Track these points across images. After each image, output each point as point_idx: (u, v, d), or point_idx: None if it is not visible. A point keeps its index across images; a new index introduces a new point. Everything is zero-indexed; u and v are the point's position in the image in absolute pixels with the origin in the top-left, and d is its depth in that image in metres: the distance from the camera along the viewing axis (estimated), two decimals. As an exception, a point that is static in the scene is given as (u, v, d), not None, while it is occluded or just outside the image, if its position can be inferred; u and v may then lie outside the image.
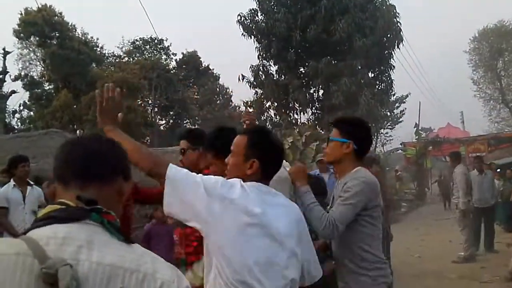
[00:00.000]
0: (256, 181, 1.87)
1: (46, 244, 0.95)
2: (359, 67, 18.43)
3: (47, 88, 29.01)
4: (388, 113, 22.80)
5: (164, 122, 33.78)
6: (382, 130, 23.96)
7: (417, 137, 22.31)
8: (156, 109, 32.31)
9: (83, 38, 29.21)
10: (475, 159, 9.54)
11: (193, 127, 30.33)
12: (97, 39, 31.01)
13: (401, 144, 23.91)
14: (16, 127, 27.95)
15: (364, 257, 2.46)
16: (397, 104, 27.32)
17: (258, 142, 1.93)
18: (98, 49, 31.18)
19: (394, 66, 19.93)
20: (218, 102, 35.23)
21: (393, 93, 21.67)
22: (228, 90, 36.26)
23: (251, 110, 21.89)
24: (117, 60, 33.43)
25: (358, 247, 2.46)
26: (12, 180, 5.12)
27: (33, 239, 0.96)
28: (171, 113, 33.15)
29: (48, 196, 5.15)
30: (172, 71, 33.88)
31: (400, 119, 28.03)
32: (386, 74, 20.02)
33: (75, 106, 24.87)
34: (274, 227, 1.76)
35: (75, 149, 1.13)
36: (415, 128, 22.43)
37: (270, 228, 1.75)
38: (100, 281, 0.95)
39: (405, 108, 28.26)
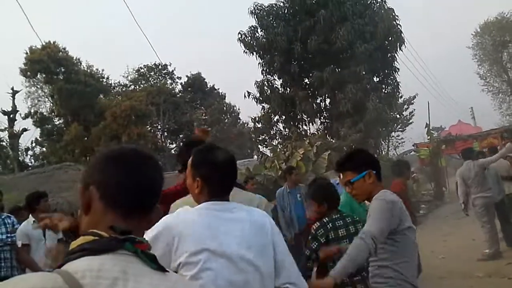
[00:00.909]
0: (208, 200, 1.84)
1: (82, 278, 0.93)
2: (364, 73, 18.40)
3: (57, 123, 29.46)
4: (398, 116, 22.64)
5: (174, 145, 33.98)
6: (393, 133, 23.79)
7: (429, 137, 22.07)
8: (165, 134, 32.55)
9: (89, 70, 29.73)
10: (489, 150, 9.40)
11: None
12: (102, 70, 31.60)
13: (413, 145, 23.68)
14: (29, 164, 28.31)
15: (389, 275, 2.49)
16: (405, 106, 27.15)
17: (198, 161, 1.92)
18: (104, 80, 31.68)
19: (398, 69, 19.87)
20: (226, 120, 35.40)
21: (400, 95, 21.56)
22: (235, 107, 36.49)
23: (259, 125, 21.95)
24: (123, 89, 33.90)
25: (385, 267, 2.50)
26: (30, 216, 5.14)
27: (68, 273, 0.94)
28: (180, 136, 33.37)
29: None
30: (178, 95, 34.23)
31: (410, 121, 27.80)
32: (391, 77, 19.94)
33: (86, 138, 25.17)
34: (225, 245, 1.70)
35: (132, 175, 1.08)
36: (426, 128, 22.19)
37: (221, 247, 1.68)
38: None
39: (414, 109, 28.06)
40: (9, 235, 5.15)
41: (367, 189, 2.61)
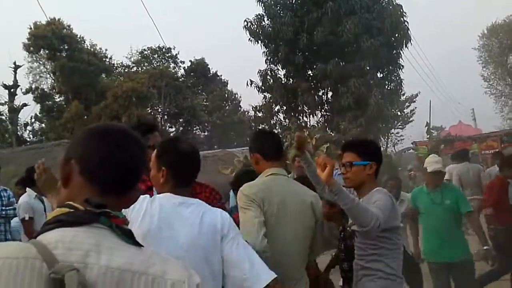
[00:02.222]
0: (170, 191, 1.89)
1: (55, 248, 0.94)
2: (368, 68, 18.35)
3: (58, 100, 29.34)
4: (399, 113, 22.67)
5: (174, 129, 33.93)
6: (393, 130, 23.83)
7: (428, 136, 22.08)
8: (166, 117, 32.48)
9: (92, 49, 29.51)
10: (494, 154, 9.25)
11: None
12: (106, 50, 31.32)
13: (412, 143, 23.66)
14: (28, 139, 28.28)
15: (375, 266, 2.53)
16: (407, 104, 27.18)
17: (165, 151, 1.98)
18: (107, 60, 31.47)
19: (403, 66, 19.82)
20: (227, 108, 35.33)
21: (402, 92, 21.55)
22: (236, 95, 36.42)
23: (260, 114, 21.92)
24: (126, 70, 33.72)
25: (371, 256, 2.55)
26: (29, 189, 5.13)
27: (42, 243, 0.95)
28: (180, 120, 33.29)
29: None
30: (180, 79, 34.07)
31: (411, 119, 27.88)
32: (395, 74, 19.89)
33: (86, 117, 25.09)
34: (172, 242, 1.71)
35: (116, 153, 1.08)
36: (426, 127, 22.18)
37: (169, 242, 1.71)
38: (109, 285, 0.93)
39: (415, 108, 28.12)
40: (4, 208, 5.16)
41: (362, 178, 2.63)
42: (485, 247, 4.20)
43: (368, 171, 2.62)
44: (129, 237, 1.02)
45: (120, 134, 1.11)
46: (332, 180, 2.29)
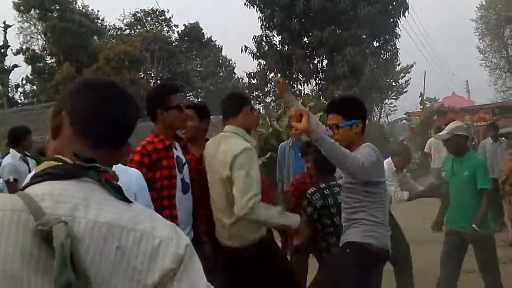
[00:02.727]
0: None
1: (42, 201, 0.92)
2: (364, 36, 18.17)
3: (49, 61, 28.87)
4: (393, 83, 22.60)
5: (167, 95, 33.64)
6: (386, 101, 23.83)
7: (421, 106, 22.14)
8: (158, 82, 32.15)
9: (84, 10, 28.88)
10: (489, 126, 9.04)
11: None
12: (98, 11, 30.70)
13: (405, 114, 23.77)
14: (19, 101, 27.97)
15: (360, 216, 2.63)
16: (402, 74, 27.07)
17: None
18: (99, 22, 30.85)
19: (399, 35, 19.64)
20: (221, 74, 35.00)
21: (398, 62, 21.45)
22: (231, 62, 36.02)
23: (254, 81, 21.76)
24: (118, 33, 33.11)
25: (358, 212, 2.64)
26: (12, 150, 5.04)
27: (29, 195, 0.93)
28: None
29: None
30: (174, 43, 33.57)
31: (405, 89, 27.82)
32: (391, 43, 19.74)
33: (77, 79, 24.77)
34: None
35: (109, 107, 1.05)
36: (420, 98, 22.23)
37: None
38: (96, 239, 0.92)
39: (410, 78, 28.02)
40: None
41: (350, 138, 2.66)
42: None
43: (355, 130, 2.66)
44: (118, 192, 1.00)
45: (113, 89, 1.08)
46: (310, 128, 2.38)
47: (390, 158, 4.44)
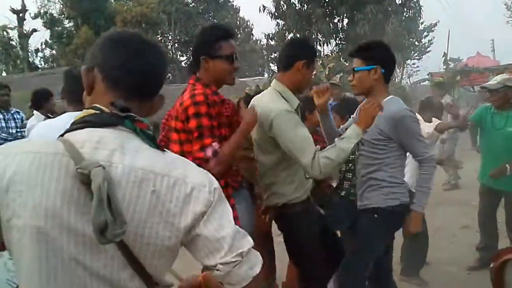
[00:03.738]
0: None
1: (82, 147, 0.98)
2: (386, -7, 17.58)
3: (67, 25, 28.87)
4: (416, 43, 21.94)
5: (185, 58, 33.47)
6: (409, 61, 23.23)
7: (445, 67, 21.54)
8: (176, 45, 31.93)
9: (100, -28, 28.49)
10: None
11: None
12: (114, -28, 30.23)
13: (428, 74, 23.17)
14: (39, 65, 28.24)
15: (376, 176, 2.59)
16: (425, 33, 26.25)
17: None
18: (116, -16, 30.47)
19: (423, -9, 18.94)
20: (239, 36, 34.50)
21: (421, 21, 20.75)
22: (248, 23, 35.39)
23: (272, 43, 21.40)
24: (135, -6, 32.71)
25: (376, 170, 2.59)
26: (37, 112, 5.11)
27: (69, 141, 0.99)
28: (191, 48, 32.71)
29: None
30: (191, 5, 33.07)
31: (428, 49, 27.00)
32: (414, 1, 19.06)
33: (103, 34, 24.79)
34: None
35: (136, 59, 1.08)
36: (444, 58, 21.57)
37: None
38: (132, 184, 0.98)
39: (433, 37, 27.13)
40: (19, 129, 5.23)
41: (367, 84, 2.55)
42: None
43: (373, 76, 2.52)
44: (152, 141, 1.05)
45: (137, 41, 1.12)
46: (324, 107, 2.67)
47: (417, 114, 4.28)
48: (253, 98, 2.72)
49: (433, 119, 4.39)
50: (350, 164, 3.38)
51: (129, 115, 1.04)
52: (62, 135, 1.03)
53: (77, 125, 1.03)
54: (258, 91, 9.11)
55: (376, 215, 2.59)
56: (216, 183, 1.09)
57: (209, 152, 2.12)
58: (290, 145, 2.41)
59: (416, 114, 4.21)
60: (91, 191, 0.91)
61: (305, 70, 2.58)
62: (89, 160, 0.95)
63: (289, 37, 20.47)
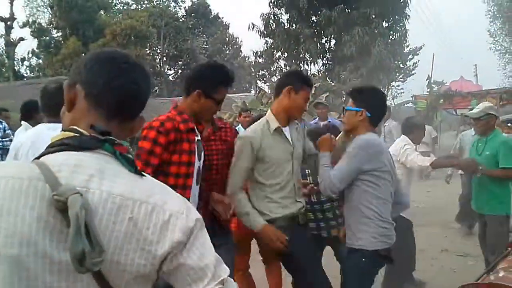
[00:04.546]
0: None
1: (59, 171, 0.94)
2: (373, 16, 17.91)
3: (55, 35, 28.76)
4: (401, 65, 22.31)
5: (172, 72, 33.55)
6: (393, 83, 23.59)
7: (428, 90, 21.91)
8: (164, 58, 31.99)
9: (90, -16, 28.55)
10: None
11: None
12: (105, -15, 30.32)
13: (412, 97, 23.53)
14: (25, 74, 27.97)
15: (365, 213, 2.60)
16: (410, 56, 26.75)
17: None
18: (106, -4, 30.55)
19: (409, 16, 19.35)
20: (227, 52, 34.75)
21: (406, 44, 21.16)
22: (237, 40, 35.71)
23: (260, 60, 21.59)
24: (125, 8, 32.84)
25: (360, 204, 2.61)
26: (27, 123, 5.07)
27: (45, 165, 0.95)
28: (179, 62, 32.82)
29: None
30: (181, 20, 33.29)
31: (413, 72, 27.48)
32: (401, 24, 19.46)
33: (83, 54, 24.70)
34: None
35: (120, 77, 1.07)
36: (427, 81, 21.97)
37: None
38: (109, 211, 0.95)
39: (418, 60, 27.65)
40: (1, 139, 5.17)
41: (354, 123, 2.72)
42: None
43: (359, 117, 2.69)
44: (132, 166, 1.03)
45: (124, 60, 1.10)
46: (323, 147, 2.78)
47: (402, 136, 4.29)
48: None
49: (431, 154, 4.44)
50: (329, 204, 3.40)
51: (109, 139, 1.02)
52: (38, 158, 1.00)
53: (54, 148, 1.00)
54: (245, 108, 9.15)
55: (363, 259, 2.68)
56: (196, 213, 1.07)
57: None
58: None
59: (403, 136, 4.30)
60: (67, 218, 0.88)
61: (294, 95, 2.70)
62: (66, 185, 0.92)
63: (277, 55, 20.70)
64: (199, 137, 2.46)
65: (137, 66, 1.12)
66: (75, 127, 1.03)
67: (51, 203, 0.90)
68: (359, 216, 2.62)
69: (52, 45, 27.87)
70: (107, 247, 0.93)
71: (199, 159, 2.42)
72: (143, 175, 1.05)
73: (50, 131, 2.29)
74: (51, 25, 28.40)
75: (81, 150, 0.99)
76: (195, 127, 2.44)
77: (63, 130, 1.06)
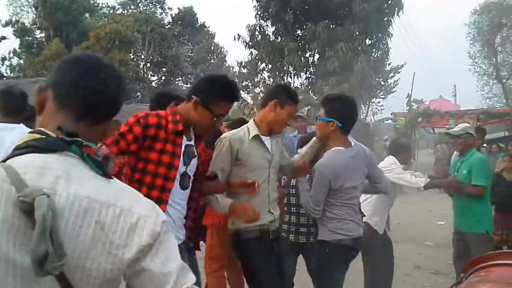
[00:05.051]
0: None
1: (25, 173, 0.93)
2: (357, 33, 18.19)
3: (39, 36, 28.40)
4: (382, 82, 22.66)
5: (156, 78, 33.34)
6: (374, 99, 23.92)
7: (408, 108, 22.30)
8: (148, 65, 31.82)
9: (77, -14, 28.35)
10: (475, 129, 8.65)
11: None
12: (91, -12, 30.16)
13: (391, 114, 23.90)
14: (5, 74, 27.50)
15: (326, 215, 2.88)
16: (391, 74, 27.21)
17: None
18: (92, -1, 30.38)
19: (392, 34, 19.71)
20: (212, 61, 34.76)
21: (388, 62, 21.52)
22: (223, 49, 35.79)
23: (244, 71, 21.68)
24: (111, 12, 32.67)
25: (324, 210, 2.89)
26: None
27: (11, 167, 0.94)
28: (163, 69, 32.67)
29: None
30: (166, 26, 33.21)
31: (394, 89, 27.94)
32: (383, 42, 19.80)
33: (66, 56, 24.45)
34: None
35: (87, 76, 1.06)
36: (407, 99, 22.39)
37: None
38: (76, 213, 0.93)
39: (399, 79, 28.14)
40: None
41: (325, 133, 2.89)
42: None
43: (330, 128, 2.84)
44: (100, 168, 1.02)
45: (92, 60, 1.09)
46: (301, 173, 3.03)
47: (390, 156, 4.38)
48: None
49: (426, 176, 4.50)
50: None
51: (77, 140, 1.00)
52: (4, 161, 0.98)
53: (20, 150, 0.98)
54: (227, 118, 9.07)
55: (326, 249, 2.91)
56: (163, 216, 1.05)
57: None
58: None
59: (390, 157, 4.37)
60: (32, 220, 0.86)
61: (279, 109, 2.77)
62: (32, 187, 0.90)
63: (261, 67, 20.81)
64: (191, 143, 2.44)
65: (106, 67, 1.11)
66: (42, 129, 1.02)
67: (16, 204, 0.89)
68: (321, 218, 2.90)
69: (35, 45, 27.50)
70: (72, 251, 0.92)
71: (185, 164, 2.37)
72: (111, 178, 1.03)
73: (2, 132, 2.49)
74: (35, 26, 28.05)
75: (48, 152, 0.97)
76: (192, 132, 2.45)
77: (29, 132, 1.05)
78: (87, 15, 28.65)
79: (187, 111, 2.37)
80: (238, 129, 2.83)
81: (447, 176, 4.37)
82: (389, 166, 4.15)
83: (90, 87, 1.05)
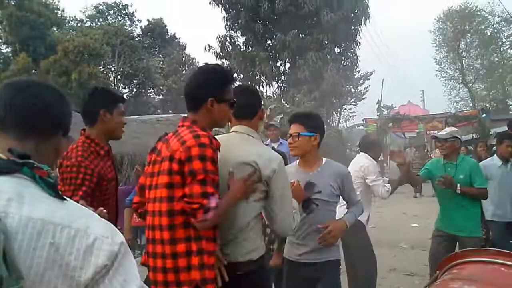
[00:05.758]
0: None
1: None
2: (326, 42, 18.51)
3: (5, 51, 27.78)
4: (352, 90, 23.09)
5: (127, 90, 33.01)
6: (345, 106, 24.32)
7: (378, 113, 22.75)
8: (119, 77, 31.48)
9: (43, 0, 27.93)
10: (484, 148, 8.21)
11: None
12: (58, 1, 29.86)
13: (363, 120, 24.33)
14: (-30, 90, 26.71)
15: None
16: (361, 81, 27.75)
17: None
18: (59, 12, 29.95)
19: (359, 43, 20.16)
20: (184, 72, 34.67)
21: (357, 69, 21.97)
22: (194, 60, 35.76)
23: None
24: (79, 25, 32.25)
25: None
26: None
27: None
28: (135, 81, 32.39)
29: None
30: (136, 39, 33.01)
31: (364, 96, 28.48)
32: (352, 50, 20.23)
33: (34, 71, 23.95)
34: None
35: (20, 95, 1.06)
36: (377, 105, 22.87)
37: None
38: (30, 235, 0.92)
39: (369, 85, 28.73)
40: None
41: (307, 148, 2.87)
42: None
43: (313, 142, 2.86)
44: (52, 190, 1.00)
45: (24, 82, 1.10)
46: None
47: (362, 154, 4.45)
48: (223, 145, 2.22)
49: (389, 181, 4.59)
50: None
51: (28, 162, 0.99)
52: None
53: None
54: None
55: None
56: (121, 237, 1.02)
57: (213, 203, 1.89)
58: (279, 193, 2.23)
59: (362, 154, 4.46)
60: None
61: (261, 117, 2.50)
62: None
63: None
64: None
65: (41, 84, 1.12)
66: None
67: None
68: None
69: (1, 60, 26.89)
70: (27, 274, 0.89)
71: None
72: (65, 199, 1.02)
73: None
74: (0, 40, 27.44)
75: None
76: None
77: None
78: (54, 28, 28.20)
79: (208, 120, 2.15)
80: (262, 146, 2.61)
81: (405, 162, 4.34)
82: (361, 167, 4.24)
83: (24, 104, 1.05)
